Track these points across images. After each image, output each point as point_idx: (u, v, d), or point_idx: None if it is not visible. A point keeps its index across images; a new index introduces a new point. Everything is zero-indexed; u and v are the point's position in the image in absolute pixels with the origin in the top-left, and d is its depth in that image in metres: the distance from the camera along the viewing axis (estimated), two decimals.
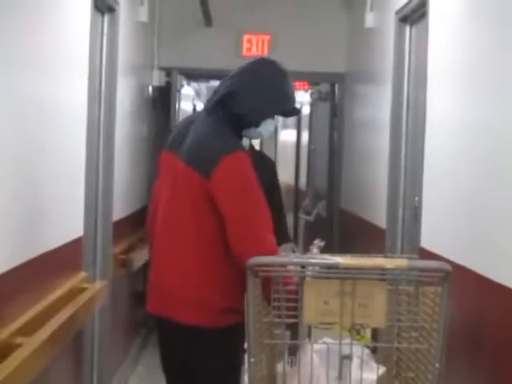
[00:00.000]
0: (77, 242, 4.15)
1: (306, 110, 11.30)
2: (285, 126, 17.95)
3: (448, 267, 2.74)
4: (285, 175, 17.42)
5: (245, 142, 4.18)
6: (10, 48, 2.99)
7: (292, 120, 15.03)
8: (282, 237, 4.52)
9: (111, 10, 5.04)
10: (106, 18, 5.03)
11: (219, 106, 3.23)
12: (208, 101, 3.33)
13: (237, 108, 3.20)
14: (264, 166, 4.48)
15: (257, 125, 3.28)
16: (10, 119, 3.01)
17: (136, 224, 5.95)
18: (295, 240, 12.13)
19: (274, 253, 3.03)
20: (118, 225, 5.33)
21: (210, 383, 3.25)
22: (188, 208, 3.14)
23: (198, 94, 12.26)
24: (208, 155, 3.13)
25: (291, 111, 3.36)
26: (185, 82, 8.29)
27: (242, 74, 3.27)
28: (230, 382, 3.23)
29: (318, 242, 3.52)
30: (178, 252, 3.15)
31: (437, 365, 2.79)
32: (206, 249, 3.12)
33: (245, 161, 3.16)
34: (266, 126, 3.31)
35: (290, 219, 14.29)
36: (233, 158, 3.12)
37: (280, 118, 19.97)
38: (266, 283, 2.86)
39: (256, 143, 7.42)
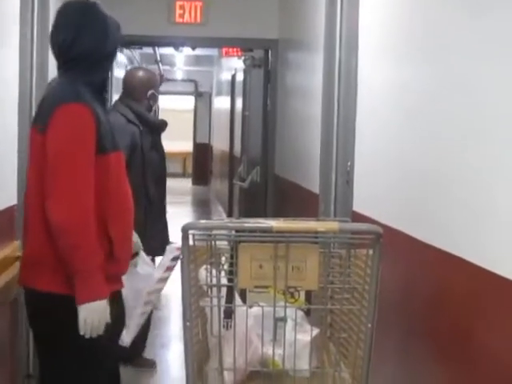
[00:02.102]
0: (10, 211, 4.12)
1: (239, 77, 11.29)
2: (219, 93, 17.92)
3: (378, 229, 2.80)
4: (219, 142, 17.41)
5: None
6: None
7: (226, 87, 15.00)
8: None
9: None
10: None
11: (62, 62, 3.14)
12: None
13: (71, 55, 3.10)
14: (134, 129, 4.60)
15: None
16: None
17: None
18: (230, 207, 12.14)
19: (80, 219, 2.88)
20: None
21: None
22: (34, 174, 3.01)
23: (131, 60, 12.16)
24: (45, 110, 3.00)
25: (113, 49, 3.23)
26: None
27: (58, 22, 3.16)
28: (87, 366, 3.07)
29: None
30: (28, 221, 3.07)
31: (369, 325, 2.85)
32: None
33: (77, 114, 2.96)
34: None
35: (224, 186, 14.33)
36: (64, 110, 2.95)
37: (214, 85, 19.91)
38: (72, 251, 2.88)
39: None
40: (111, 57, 3.21)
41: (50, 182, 2.89)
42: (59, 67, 3.15)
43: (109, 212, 3.04)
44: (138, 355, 5.46)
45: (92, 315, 2.89)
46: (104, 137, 3.01)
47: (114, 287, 3.10)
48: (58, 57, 3.14)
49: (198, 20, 7.96)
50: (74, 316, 2.90)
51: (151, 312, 4.66)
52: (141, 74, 5.60)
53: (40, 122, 2.99)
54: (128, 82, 5.55)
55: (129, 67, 10.21)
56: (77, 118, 2.94)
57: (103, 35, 3.11)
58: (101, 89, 3.16)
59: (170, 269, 3.44)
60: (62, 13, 3.15)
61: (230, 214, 9.79)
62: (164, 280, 3.47)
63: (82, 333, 2.91)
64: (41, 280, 2.99)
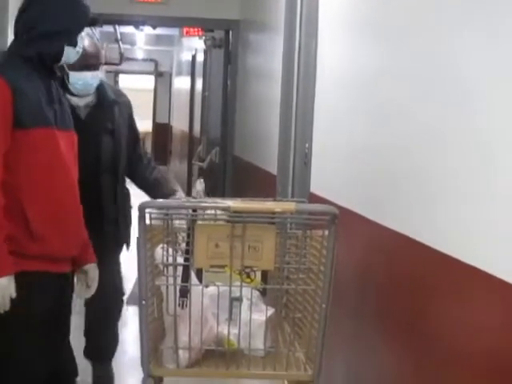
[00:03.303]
0: None
1: (200, 57, 11.26)
2: (179, 73, 17.84)
3: (334, 210, 2.82)
4: (179, 122, 17.35)
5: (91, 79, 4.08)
6: None
7: (186, 67, 14.94)
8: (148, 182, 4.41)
9: None
10: None
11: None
12: None
13: (17, 26, 3.08)
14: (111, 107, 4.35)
15: (74, 45, 3.12)
16: None
17: None
18: (189, 187, 12.14)
19: None
20: None
21: None
22: None
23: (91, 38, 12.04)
24: None
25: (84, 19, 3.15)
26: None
27: None
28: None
29: (200, 182, 3.55)
30: None
31: (323, 305, 2.87)
32: None
33: None
34: (80, 43, 3.15)
35: (183, 166, 14.29)
36: None
37: (174, 65, 19.81)
38: None
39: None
40: (65, 34, 3.08)
41: None
42: None
43: (26, 189, 2.96)
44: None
45: None
46: (23, 111, 2.93)
47: (41, 267, 3.02)
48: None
49: None
50: None
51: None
52: None
53: None
54: None
55: None
56: None
57: (54, 9, 3.04)
58: (48, 64, 3.07)
59: None
60: None
61: (188, 194, 9.80)
62: None
63: None
64: None
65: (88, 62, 4.11)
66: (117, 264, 4.48)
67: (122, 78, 22.19)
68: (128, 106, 4.48)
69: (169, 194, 4.23)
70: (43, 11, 3.03)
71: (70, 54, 3.13)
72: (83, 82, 4.16)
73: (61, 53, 3.10)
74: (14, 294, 2.92)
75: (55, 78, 3.15)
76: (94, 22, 3.24)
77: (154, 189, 4.32)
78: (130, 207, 4.45)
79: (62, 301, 3.20)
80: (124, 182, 4.45)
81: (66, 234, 3.10)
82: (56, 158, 3.03)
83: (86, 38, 3.99)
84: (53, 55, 3.08)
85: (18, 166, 2.93)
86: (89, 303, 4.36)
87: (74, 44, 3.12)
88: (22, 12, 3.07)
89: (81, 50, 3.19)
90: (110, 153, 4.30)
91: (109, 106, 4.34)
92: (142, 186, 4.46)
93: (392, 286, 3.26)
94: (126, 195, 4.46)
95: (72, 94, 4.15)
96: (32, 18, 3.04)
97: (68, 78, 4.11)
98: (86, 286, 3.32)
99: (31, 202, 2.95)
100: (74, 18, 3.09)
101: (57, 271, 3.10)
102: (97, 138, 4.26)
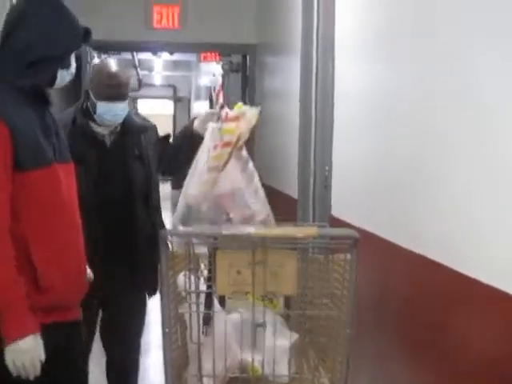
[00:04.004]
0: None
1: (218, 82, 11.29)
2: (198, 98, 17.91)
3: (355, 234, 2.80)
4: None
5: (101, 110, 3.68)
6: None
7: (204, 91, 14.99)
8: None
9: None
10: None
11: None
12: None
13: (4, 51, 2.72)
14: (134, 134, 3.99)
15: (67, 67, 2.81)
16: None
17: None
18: None
19: None
20: None
21: None
22: None
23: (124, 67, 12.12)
24: None
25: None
26: (95, 54, 8.20)
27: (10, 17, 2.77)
28: None
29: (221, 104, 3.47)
30: None
31: (347, 330, 2.85)
32: None
33: None
34: (73, 63, 2.84)
35: None
36: None
37: (192, 90, 19.89)
38: None
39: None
40: (57, 60, 2.76)
41: None
42: None
43: (30, 235, 2.65)
44: None
45: (20, 356, 2.55)
46: (22, 153, 2.62)
47: (49, 319, 2.69)
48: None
49: (176, 25, 7.96)
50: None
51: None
52: None
53: None
54: None
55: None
56: None
57: (49, 30, 2.71)
58: (41, 93, 2.76)
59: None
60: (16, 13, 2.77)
61: None
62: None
63: (15, 375, 2.58)
64: None
65: (120, 92, 3.80)
66: (143, 305, 4.12)
67: (140, 103, 22.31)
68: (154, 131, 4.12)
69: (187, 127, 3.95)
70: (38, 33, 2.70)
71: (64, 78, 2.83)
72: (114, 113, 3.82)
73: (54, 78, 2.79)
74: (43, 357, 2.62)
75: (49, 106, 2.83)
76: (86, 37, 2.83)
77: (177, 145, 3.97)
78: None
79: (73, 346, 2.89)
80: (158, 211, 4.08)
81: (74, 279, 2.80)
82: (58, 198, 2.74)
83: (118, 66, 3.82)
84: (46, 82, 2.78)
85: (19, 212, 2.63)
86: (106, 348, 4.17)
87: (68, 66, 2.81)
88: (11, 31, 2.72)
89: (74, 71, 2.87)
90: (140, 181, 3.94)
91: (135, 132, 3.98)
92: (174, 158, 4.01)
93: (413, 307, 3.24)
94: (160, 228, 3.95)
95: (96, 123, 3.87)
96: (24, 40, 2.69)
97: (93, 107, 3.81)
98: None
99: (37, 249, 2.65)
100: (70, 38, 2.78)
101: (65, 320, 2.79)
102: (125, 167, 3.91)
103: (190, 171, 3.10)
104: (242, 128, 3.08)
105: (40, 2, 2.75)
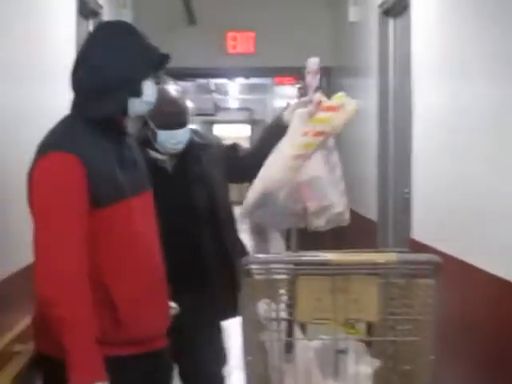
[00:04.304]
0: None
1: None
2: None
3: (437, 259, 2.75)
4: None
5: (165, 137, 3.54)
6: None
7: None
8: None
9: (95, 14, 5.05)
10: (91, 22, 5.04)
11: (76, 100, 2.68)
12: None
13: (72, 84, 2.64)
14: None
15: (137, 95, 2.64)
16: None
17: None
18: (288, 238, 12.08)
19: (57, 289, 2.45)
20: None
21: None
22: None
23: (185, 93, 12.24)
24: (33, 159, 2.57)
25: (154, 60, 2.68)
26: (171, 82, 8.29)
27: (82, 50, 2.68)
28: None
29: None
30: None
31: (431, 357, 2.81)
32: None
33: (54, 169, 2.51)
34: (148, 91, 2.68)
35: None
36: (42, 163, 2.52)
37: (268, 112, 19.94)
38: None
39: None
40: (126, 88, 2.62)
41: (33, 250, 2.52)
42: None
43: (109, 271, 2.58)
44: None
45: None
46: (98, 189, 2.53)
47: (125, 351, 2.61)
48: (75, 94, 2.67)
49: (251, 50, 8.01)
50: None
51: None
52: None
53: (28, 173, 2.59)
54: None
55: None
56: (53, 172, 2.50)
57: (108, 60, 2.59)
58: (112, 124, 2.66)
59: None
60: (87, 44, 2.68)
61: (287, 246, 9.73)
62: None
63: None
64: (46, 344, 2.60)
65: (181, 119, 3.66)
66: (218, 339, 3.90)
67: (216, 127, 22.47)
68: (217, 147, 3.86)
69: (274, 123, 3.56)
70: (106, 59, 2.59)
71: (137, 106, 2.67)
72: (176, 141, 3.66)
73: (125, 106, 2.65)
74: None
75: (126, 137, 2.74)
76: (161, 65, 2.70)
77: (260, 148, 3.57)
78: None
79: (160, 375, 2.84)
80: (231, 233, 3.87)
81: (155, 313, 2.71)
82: (136, 231, 2.64)
83: (176, 93, 3.71)
84: (118, 111, 2.64)
85: (97, 249, 2.54)
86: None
87: (138, 93, 2.64)
88: (82, 59, 2.64)
89: (152, 100, 2.73)
90: (205, 203, 3.75)
91: (195, 153, 3.76)
92: (253, 163, 3.43)
93: (500, 336, 3.17)
94: (239, 250, 3.77)
95: (156, 151, 3.69)
96: (86, 72, 2.61)
97: (154, 135, 3.65)
98: None
99: (116, 286, 2.57)
100: (136, 66, 2.63)
101: (147, 351, 2.69)
102: (188, 192, 3.73)
103: (272, 155, 3.02)
104: (339, 119, 3.02)
105: (110, 28, 2.69)
